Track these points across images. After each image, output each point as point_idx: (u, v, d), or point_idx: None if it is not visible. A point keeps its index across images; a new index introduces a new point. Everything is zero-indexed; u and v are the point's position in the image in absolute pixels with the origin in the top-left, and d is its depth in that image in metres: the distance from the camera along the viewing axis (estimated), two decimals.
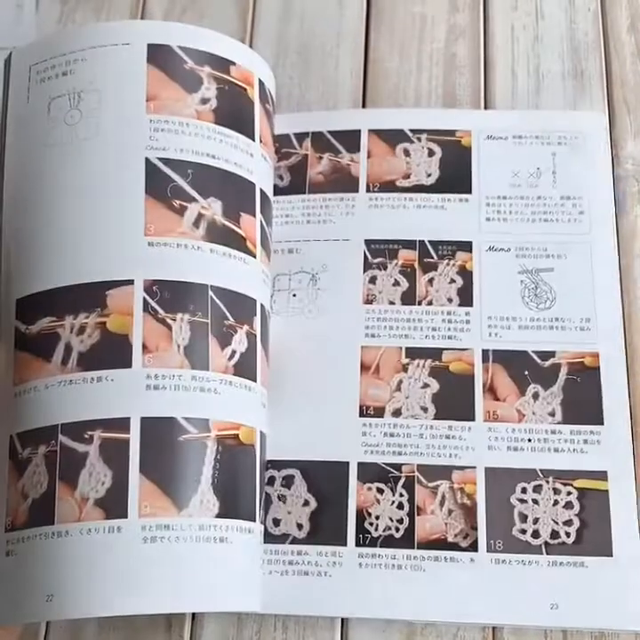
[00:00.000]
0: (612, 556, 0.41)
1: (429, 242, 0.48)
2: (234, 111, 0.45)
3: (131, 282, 0.40)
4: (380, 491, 0.43)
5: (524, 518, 0.42)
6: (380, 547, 0.42)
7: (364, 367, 0.45)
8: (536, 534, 0.42)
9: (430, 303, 0.46)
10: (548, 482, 0.43)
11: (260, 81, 0.46)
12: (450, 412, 0.44)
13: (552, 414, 0.44)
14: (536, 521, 0.42)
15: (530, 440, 0.43)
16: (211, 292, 0.41)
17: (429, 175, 0.49)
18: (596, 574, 0.41)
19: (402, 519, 0.43)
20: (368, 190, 0.49)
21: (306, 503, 0.43)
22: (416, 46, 0.54)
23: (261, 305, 0.44)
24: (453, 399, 0.44)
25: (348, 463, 0.44)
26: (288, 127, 0.50)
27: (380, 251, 0.47)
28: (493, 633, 0.41)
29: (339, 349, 0.46)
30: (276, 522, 0.43)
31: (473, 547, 0.42)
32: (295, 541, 0.43)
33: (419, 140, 0.50)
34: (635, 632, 0.40)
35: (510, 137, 0.50)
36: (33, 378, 0.40)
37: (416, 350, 0.45)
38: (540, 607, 0.41)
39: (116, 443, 0.39)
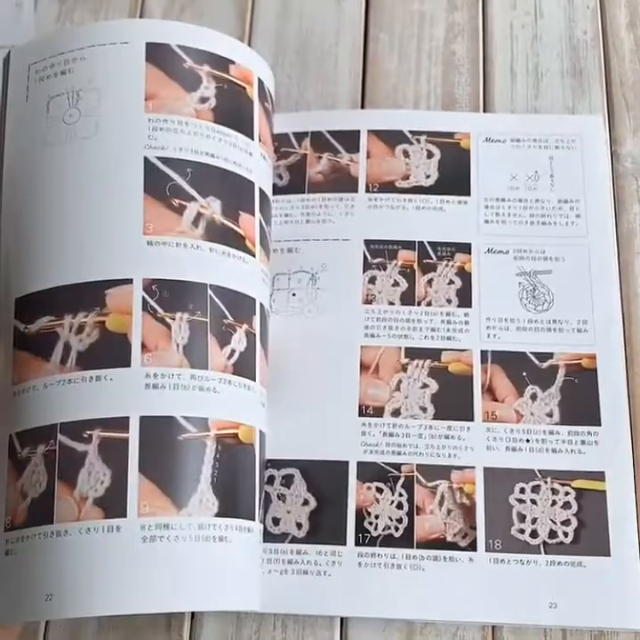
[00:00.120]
0: (609, 555, 0.41)
1: (428, 243, 0.48)
2: (233, 110, 0.45)
3: (130, 281, 0.40)
4: (380, 490, 0.43)
5: (522, 518, 0.42)
6: (380, 546, 0.42)
7: (364, 367, 0.45)
8: (534, 534, 0.42)
9: (429, 304, 0.46)
10: (546, 482, 0.43)
11: (259, 80, 0.46)
12: (449, 412, 0.44)
13: (550, 415, 0.44)
14: (534, 521, 0.42)
15: (528, 440, 0.44)
16: (210, 291, 0.41)
17: (428, 176, 0.49)
18: (594, 574, 0.41)
19: (401, 519, 0.43)
20: (367, 190, 0.49)
21: (305, 502, 0.43)
22: (415, 45, 0.54)
23: (261, 304, 0.44)
24: (452, 399, 0.45)
25: (347, 463, 0.44)
26: (287, 126, 0.50)
27: (379, 251, 0.48)
28: (493, 632, 0.42)
29: (338, 349, 0.46)
30: (276, 521, 0.43)
31: (472, 546, 0.42)
32: (295, 540, 0.43)
33: (418, 141, 0.50)
34: (634, 631, 0.41)
35: (508, 140, 0.50)
36: (32, 377, 0.40)
37: (415, 350, 0.46)
38: (538, 606, 0.41)
39: (115, 442, 0.39)
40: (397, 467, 0.43)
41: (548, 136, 0.50)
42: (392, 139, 0.50)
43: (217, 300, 0.41)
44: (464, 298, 0.47)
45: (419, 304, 0.47)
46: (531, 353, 0.45)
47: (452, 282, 0.47)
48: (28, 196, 0.43)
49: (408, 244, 0.48)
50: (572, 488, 0.43)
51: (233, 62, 0.45)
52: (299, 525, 0.43)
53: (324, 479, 0.43)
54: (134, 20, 0.54)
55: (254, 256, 0.44)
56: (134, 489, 0.38)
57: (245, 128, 0.45)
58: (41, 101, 0.44)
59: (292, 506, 0.43)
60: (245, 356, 0.42)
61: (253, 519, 0.41)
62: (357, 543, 0.42)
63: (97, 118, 0.43)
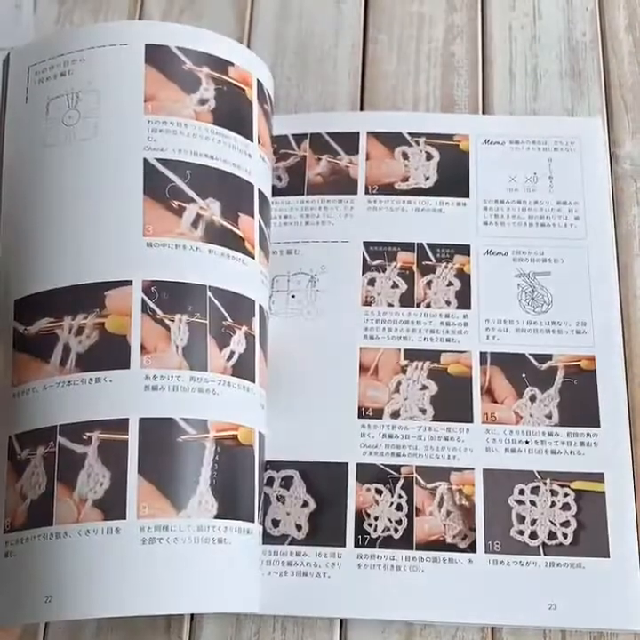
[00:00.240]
0: (609, 557, 0.41)
1: (428, 244, 0.48)
2: (232, 112, 0.45)
3: (129, 282, 0.40)
4: (379, 492, 0.43)
5: (521, 519, 0.42)
6: (379, 548, 0.42)
7: (363, 368, 0.45)
8: (534, 535, 0.42)
9: (428, 305, 0.47)
10: (545, 483, 0.43)
11: (258, 81, 0.46)
12: (448, 413, 0.44)
13: (549, 416, 0.44)
14: (534, 522, 0.42)
15: (527, 442, 0.44)
16: (209, 293, 0.41)
17: (427, 178, 0.49)
18: (594, 575, 0.41)
19: (400, 520, 0.43)
20: (367, 192, 0.49)
21: (305, 504, 0.43)
22: (414, 46, 0.54)
23: (260, 306, 0.44)
24: (452, 401, 0.45)
25: (346, 464, 0.44)
26: (286, 128, 0.50)
27: (378, 253, 0.48)
28: (492, 633, 0.42)
29: (337, 351, 0.46)
30: (275, 523, 0.43)
31: (471, 548, 0.42)
32: (294, 542, 0.43)
33: (417, 143, 0.50)
34: (633, 632, 0.41)
35: (507, 142, 0.50)
36: (31, 379, 0.40)
37: (414, 352, 0.46)
38: (538, 607, 0.41)
39: (114, 444, 0.39)
40: (397, 468, 0.44)
41: (546, 138, 0.50)
42: (391, 140, 0.50)
43: (216, 301, 0.41)
44: (463, 299, 0.47)
45: (418, 306, 0.47)
46: (530, 354, 0.45)
47: (451, 283, 0.47)
48: (27, 198, 0.43)
49: (407, 246, 0.48)
50: (572, 489, 0.43)
51: (232, 64, 0.45)
52: (298, 527, 0.43)
53: (324, 481, 0.43)
54: (134, 22, 0.54)
55: (253, 258, 0.44)
56: (134, 491, 0.38)
57: (245, 130, 0.45)
58: (40, 103, 0.44)
59: (291, 507, 0.43)
60: (245, 358, 0.42)
61: (253, 521, 0.41)
62: (357, 545, 0.42)
63: (96, 120, 0.43)
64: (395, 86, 0.53)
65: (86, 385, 0.39)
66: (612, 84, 0.52)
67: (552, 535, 0.42)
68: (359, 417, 0.44)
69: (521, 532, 0.42)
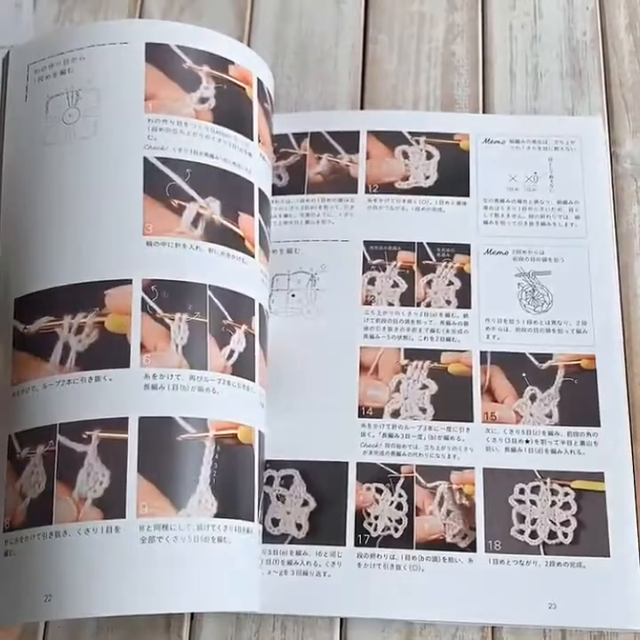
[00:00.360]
0: (609, 556, 0.41)
1: (428, 244, 0.48)
2: (232, 110, 0.45)
3: (129, 281, 0.40)
4: (379, 491, 0.43)
5: (522, 519, 0.42)
6: (379, 547, 0.42)
7: (363, 368, 0.45)
8: (534, 535, 0.42)
9: (429, 305, 0.47)
10: (545, 483, 0.43)
11: (258, 80, 0.46)
12: (448, 413, 0.44)
13: (549, 416, 0.44)
14: (534, 521, 0.42)
15: (527, 441, 0.44)
16: (209, 292, 0.41)
17: (428, 177, 0.49)
18: (594, 574, 0.41)
19: (401, 519, 0.43)
20: (367, 191, 0.49)
21: (305, 503, 0.43)
22: (414, 45, 0.54)
23: (260, 305, 0.44)
24: (452, 400, 0.45)
25: (346, 463, 0.44)
26: (286, 127, 0.50)
27: (378, 252, 0.48)
28: (492, 633, 0.42)
29: (337, 350, 0.46)
30: (275, 522, 0.43)
31: (471, 547, 0.42)
32: (294, 541, 0.43)
33: (417, 142, 0.50)
34: (633, 631, 0.41)
35: (508, 141, 0.50)
36: (31, 377, 0.40)
37: (415, 351, 0.46)
38: (538, 607, 0.41)
39: (114, 442, 0.39)
40: (397, 467, 0.43)
41: (547, 137, 0.50)
42: (391, 140, 0.50)
43: (216, 300, 0.41)
44: (463, 299, 0.47)
45: (418, 305, 0.47)
46: (530, 354, 0.45)
47: (451, 283, 0.47)
48: (27, 196, 0.43)
49: (407, 245, 0.48)
50: (572, 489, 0.43)
51: (232, 63, 0.45)
52: (298, 526, 0.43)
53: (324, 480, 0.43)
54: (134, 21, 0.54)
55: (253, 256, 0.44)
56: (133, 489, 0.38)
57: (245, 128, 0.45)
58: (40, 101, 0.44)
59: (291, 506, 0.43)
60: (244, 357, 0.42)
61: (253, 520, 0.41)
62: (357, 544, 0.42)
63: (96, 118, 0.43)
64: (395, 86, 0.53)
65: (86, 384, 0.39)
66: (612, 84, 0.52)
67: (552, 534, 0.42)
68: (359, 416, 0.44)
69: (521, 532, 0.42)
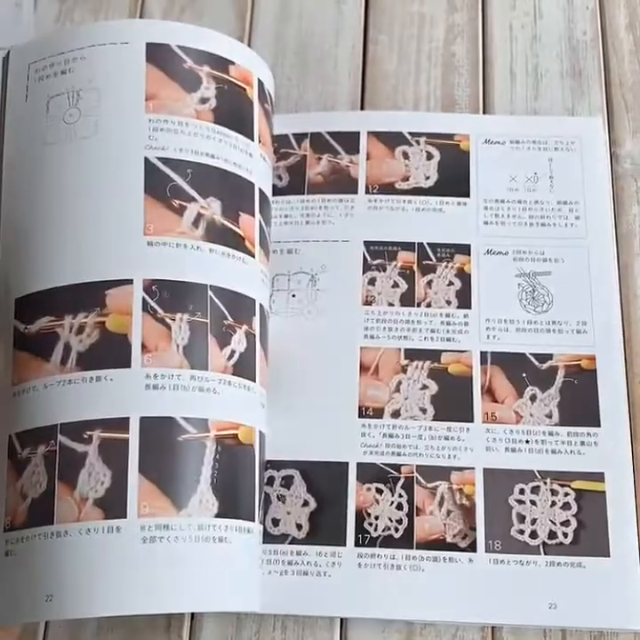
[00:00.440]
0: (609, 556, 0.42)
1: (428, 244, 0.48)
2: (233, 111, 0.45)
3: (130, 281, 0.40)
4: (380, 491, 0.43)
5: (522, 519, 0.42)
6: (380, 547, 0.42)
7: (364, 368, 0.45)
8: (534, 535, 0.42)
9: (429, 305, 0.47)
10: (545, 483, 0.43)
11: (259, 81, 0.46)
12: (448, 413, 0.44)
13: (549, 416, 0.44)
14: (534, 522, 0.42)
15: (528, 441, 0.44)
16: (210, 292, 0.41)
17: (428, 178, 0.49)
18: (594, 574, 0.41)
19: (401, 519, 0.43)
20: (367, 192, 0.49)
21: (305, 503, 0.43)
22: (414, 46, 0.54)
23: (260, 305, 0.44)
24: (452, 400, 0.45)
25: (347, 464, 0.44)
26: (287, 127, 0.50)
27: (379, 252, 0.48)
28: (492, 633, 0.42)
29: (338, 350, 0.46)
30: (276, 522, 0.43)
31: (471, 547, 0.42)
32: (294, 541, 0.43)
33: (417, 143, 0.50)
34: (633, 631, 0.41)
35: (508, 142, 0.50)
36: (32, 377, 0.40)
37: (415, 352, 0.46)
38: (538, 607, 0.41)
39: (115, 442, 0.39)
40: (397, 468, 0.44)
41: (547, 137, 0.50)
42: (392, 140, 0.50)
43: (217, 300, 0.41)
44: (463, 299, 0.47)
45: (418, 305, 0.47)
46: (530, 354, 0.45)
47: (451, 283, 0.47)
48: (27, 196, 0.43)
49: (408, 246, 0.48)
50: (572, 489, 0.43)
51: (233, 63, 0.45)
52: (298, 526, 0.43)
53: (324, 480, 0.43)
54: (134, 20, 0.54)
55: (254, 257, 0.44)
56: (134, 489, 0.38)
57: (245, 129, 0.45)
58: (41, 101, 0.44)
59: (291, 507, 0.43)
60: (245, 357, 0.42)
61: (253, 520, 0.41)
62: (357, 544, 0.42)
63: (97, 118, 0.43)
64: (395, 86, 0.53)
65: (87, 384, 0.39)
66: (612, 84, 0.52)
67: (552, 534, 0.42)
68: (359, 416, 0.45)
69: (521, 532, 0.42)
